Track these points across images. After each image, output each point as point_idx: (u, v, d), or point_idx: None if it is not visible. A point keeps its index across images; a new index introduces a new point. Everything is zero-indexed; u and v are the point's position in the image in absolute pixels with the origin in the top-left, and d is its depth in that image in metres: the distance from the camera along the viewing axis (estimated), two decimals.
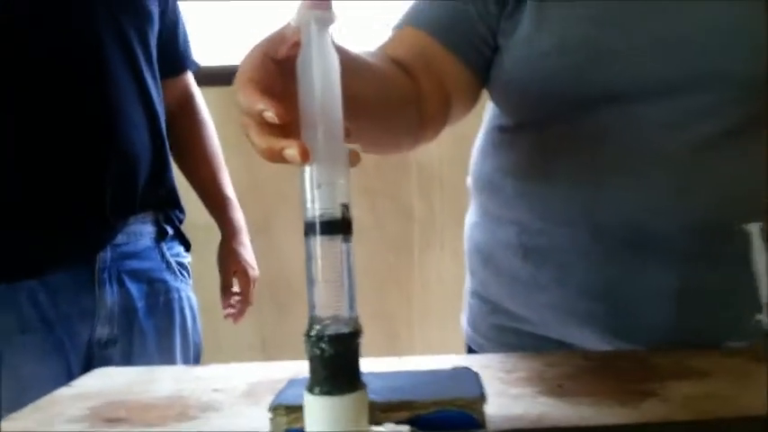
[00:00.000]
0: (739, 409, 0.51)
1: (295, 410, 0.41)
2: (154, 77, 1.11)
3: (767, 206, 0.65)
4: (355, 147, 0.40)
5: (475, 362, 0.67)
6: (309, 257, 0.38)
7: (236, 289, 1.29)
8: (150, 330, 1.10)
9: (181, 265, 1.18)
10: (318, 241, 0.38)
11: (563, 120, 0.70)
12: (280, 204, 1.87)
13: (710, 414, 0.50)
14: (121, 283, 1.08)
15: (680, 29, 0.65)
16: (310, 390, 0.38)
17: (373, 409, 0.41)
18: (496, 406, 0.51)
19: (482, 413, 0.41)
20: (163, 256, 1.14)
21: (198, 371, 0.70)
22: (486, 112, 0.82)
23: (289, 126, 0.40)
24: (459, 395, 0.42)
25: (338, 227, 0.38)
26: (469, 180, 0.86)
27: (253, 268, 1.29)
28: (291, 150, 0.38)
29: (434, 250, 1.89)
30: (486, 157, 0.80)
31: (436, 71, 0.69)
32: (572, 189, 0.70)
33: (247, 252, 1.29)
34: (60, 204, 1.00)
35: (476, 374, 0.47)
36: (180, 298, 1.16)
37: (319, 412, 0.38)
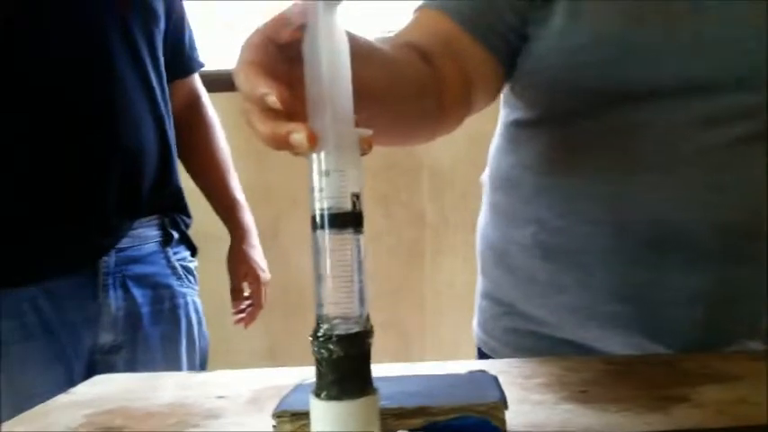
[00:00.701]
0: None
1: (301, 417, 0.38)
2: (160, 78, 1.09)
3: None
4: (367, 131, 0.37)
5: (491, 367, 0.63)
6: (317, 251, 0.35)
7: (246, 293, 1.26)
8: (155, 337, 1.08)
9: (187, 269, 1.16)
10: (327, 234, 0.35)
11: (591, 114, 0.67)
12: (289, 210, 1.84)
13: (746, 420, 0.47)
14: (126, 289, 1.05)
15: (720, 28, 0.63)
16: (317, 394, 0.35)
17: (385, 416, 0.38)
18: (516, 413, 0.48)
19: (503, 420, 0.38)
20: (168, 260, 1.12)
21: (202, 377, 0.67)
22: (503, 107, 0.79)
23: (293, 115, 0.37)
24: (477, 400, 0.39)
25: (348, 218, 0.35)
26: (484, 178, 0.83)
27: (264, 271, 1.27)
28: (298, 135, 0.35)
29: (447, 256, 1.86)
30: (504, 153, 0.78)
31: (459, 58, 0.66)
32: (597, 186, 0.67)
33: (258, 254, 1.26)
34: (62, 207, 0.98)
35: (494, 378, 0.44)
36: (186, 303, 1.13)
37: (326, 418, 0.35)
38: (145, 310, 1.07)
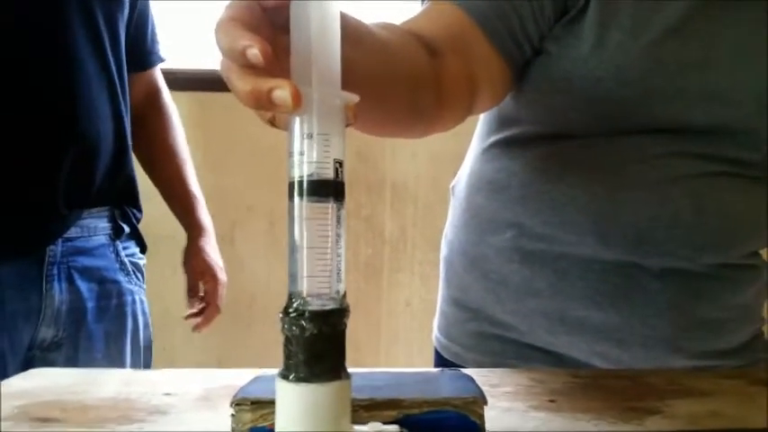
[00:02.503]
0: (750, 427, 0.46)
1: (263, 405, 0.35)
2: (119, 67, 1.05)
3: None
4: (353, 97, 0.34)
5: None
6: (292, 221, 0.33)
7: (201, 293, 1.19)
8: (99, 334, 1.01)
9: (135, 266, 1.10)
10: (305, 202, 0.32)
11: (591, 136, 0.67)
12: (245, 215, 1.80)
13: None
14: (71, 281, 0.99)
15: (729, 82, 0.64)
16: (284, 376, 0.32)
17: (355, 408, 0.35)
18: (486, 419, 0.46)
19: (481, 416, 0.36)
20: (117, 254, 1.06)
21: (148, 374, 0.63)
22: (492, 112, 0.77)
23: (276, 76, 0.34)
24: (453, 394, 0.36)
25: (329, 187, 0.33)
26: (458, 184, 0.81)
27: (221, 270, 1.20)
28: (282, 91, 0.32)
29: (405, 274, 1.83)
30: (489, 159, 0.76)
31: (467, 55, 0.63)
32: (586, 198, 0.67)
33: (215, 253, 1.20)
34: (9, 190, 0.93)
35: (468, 376, 0.41)
36: (133, 301, 1.07)
37: (294, 403, 0.32)
38: (90, 305, 1.01)
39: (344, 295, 0.33)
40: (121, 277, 1.06)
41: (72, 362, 0.98)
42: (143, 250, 1.14)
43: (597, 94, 0.64)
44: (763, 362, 0.74)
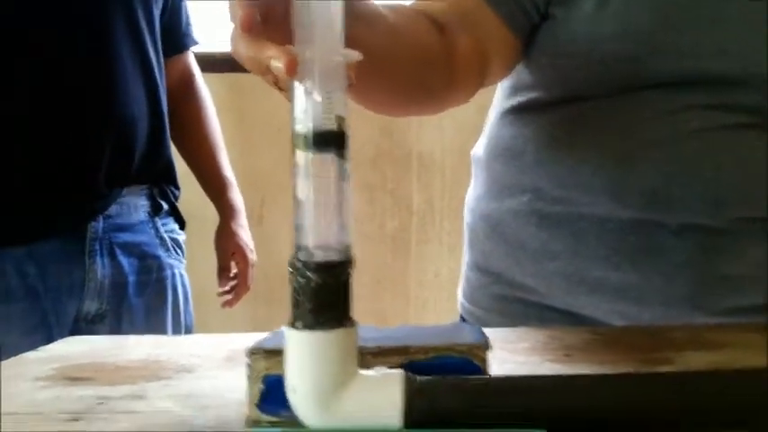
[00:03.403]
0: None
1: (276, 353, 0.36)
2: (156, 50, 1.09)
3: None
4: (356, 54, 0.35)
5: None
6: (296, 174, 0.34)
7: (232, 273, 1.24)
8: (140, 307, 1.06)
9: (175, 242, 1.14)
10: (309, 155, 0.34)
11: (602, 96, 0.67)
12: (275, 195, 1.82)
13: None
14: (113, 256, 1.04)
15: (740, 35, 0.63)
16: (292, 324, 0.34)
17: (364, 355, 0.37)
18: (500, 371, 0.47)
19: (484, 360, 0.37)
20: (157, 231, 1.11)
21: (179, 339, 0.66)
22: (508, 81, 0.78)
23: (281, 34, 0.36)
24: (458, 341, 0.37)
25: (332, 139, 0.34)
26: (479, 151, 0.82)
27: (252, 251, 1.25)
28: (278, 62, 0.34)
29: (433, 245, 1.84)
30: (505, 125, 0.77)
31: (475, 30, 0.64)
32: (598, 158, 0.68)
33: (246, 234, 1.25)
34: (53, 171, 0.97)
35: (478, 327, 0.42)
36: (173, 275, 1.12)
37: (300, 349, 0.33)
38: (131, 279, 1.06)
39: (349, 247, 0.34)
40: (161, 252, 1.11)
41: (115, 333, 1.03)
42: (182, 227, 1.19)
43: (604, 53, 0.64)
44: None
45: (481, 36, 0.65)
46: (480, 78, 0.67)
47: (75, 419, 0.41)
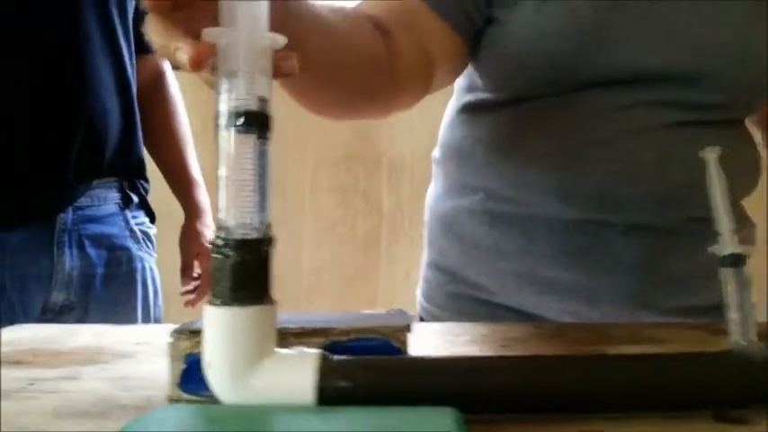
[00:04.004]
0: None
1: (198, 334, 0.36)
2: (129, 46, 1.09)
3: None
4: (280, 38, 0.36)
5: (423, 328, 0.64)
6: (218, 154, 0.34)
7: (196, 273, 1.24)
8: (108, 299, 1.06)
9: (145, 235, 1.14)
10: (230, 135, 0.34)
11: (551, 96, 0.68)
12: None
13: None
14: (82, 248, 1.03)
15: (689, 25, 0.64)
16: (210, 302, 0.34)
17: (287, 336, 0.37)
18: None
19: (405, 343, 0.37)
20: (127, 223, 1.10)
21: (125, 327, 0.65)
22: (459, 80, 0.79)
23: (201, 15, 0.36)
24: (380, 323, 0.38)
25: (253, 120, 0.34)
26: (436, 152, 0.83)
27: None
28: (183, 55, 0.35)
29: (403, 246, 1.85)
30: (457, 126, 0.78)
31: (419, 33, 0.65)
32: (547, 159, 0.68)
33: (212, 234, 1.24)
34: (22, 161, 0.97)
35: (407, 314, 0.43)
36: (143, 268, 1.11)
37: (217, 325, 0.34)
38: (99, 271, 1.05)
39: (269, 226, 0.35)
40: (131, 244, 1.10)
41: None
42: (152, 220, 1.18)
43: (545, 52, 0.64)
44: None
45: (426, 41, 0.65)
46: (426, 83, 0.67)
47: (6, 399, 0.41)
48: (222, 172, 0.34)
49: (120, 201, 1.10)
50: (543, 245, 0.69)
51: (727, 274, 0.37)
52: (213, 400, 0.35)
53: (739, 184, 0.70)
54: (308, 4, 0.50)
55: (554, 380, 0.32)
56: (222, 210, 0.34)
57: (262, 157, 0.35)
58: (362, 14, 0.63)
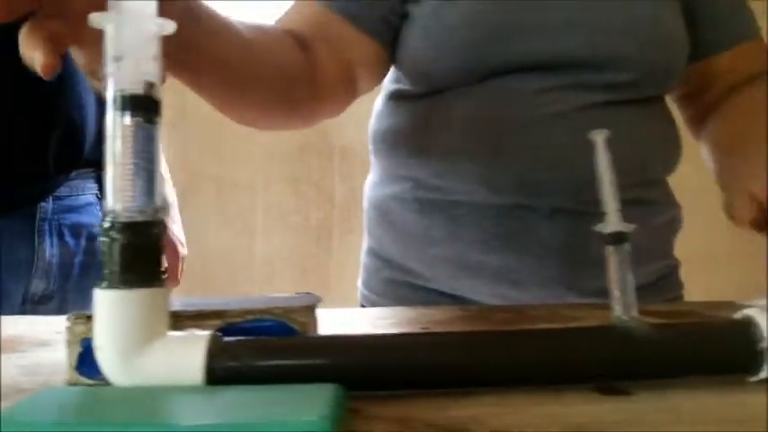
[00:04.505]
0: None
1: None
2: None
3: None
4: (169, 24, 0.36)
5: (353, 315, 0.64)
6: (106, 137, 0.34)
7: (164, 266, 1.25)
8: (86, 288, 1.07)
9: None
10: (116, 118, 0.34)
11: (466, 87, 0.69)
12: (198, 183, 1.81)
13: None
14: (61, 237, 1.05)
15: (588, 12, 0.66)
16: (98, 285, 0.34)
17: (182, 319, 0.38)
18: None
19: (304, 324, 0.38)
20: None
21: (52, 318, 0.65)
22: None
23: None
24: (276, 305, 0.38)
25: (139, 104, 0.34)
26: (369, 141, 0.84)
27: (182, 246, 1.26)
28: (38, 62, 0.37)
29: (356, 235, 1.86)
30: (384, 117, 0.79)
31: (339, 44, 0.67)
32: (470, 147, 0.69)
33: (177, 228, 1.26)
34: (3, 153, 0.97)
35: (314, 296, 0.43)
36: None
37: (107, 308, 0.34)
38: (78, 259, 1.06)
39: (157, 209, 0.35)
40: None
41: (62, 313, 1.03)
42: None
43: (455, 42, 0.66)
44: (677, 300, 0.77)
45: (347, 51, 0.67)
46: (351, 90, 0.70)
47: None
48: (109, 156, 0.34)
49: (97, 191, 1.12)
50: (471, 230, 0.70)
51: (609, 252, 0.38)
52: (108, 382, 0.35)
53: (657, 162, 0.72)
54: (212, 12, 0.50)
55: (436, 356, 0.33)
56: (109, 193, 0.34)
57: (149, 140, 0.35)
58: (281, 30, 0.64)
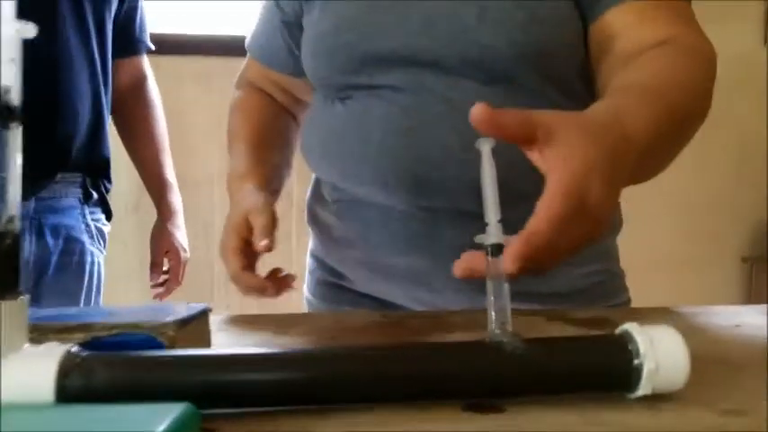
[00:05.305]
0: None
1: None
2: (103, 54, 1.15)
3: None
4: (28, 29, 0.35)
5: (260, 319, 0.63)
6: None
7: (165, 268, 1.32)
8: (59, 289, 1.10)
9: (99, 231, 1.19)
10: None
11: (352, 89, 0.70)
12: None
13: None
14: (40, 236, 1.08)
15: (447, 13, 0.65)
16: None
17: (46, 332, 0.37)
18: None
19: (173, 338, 0.37)
20: (84, 217, 1.16)
21: None
22: None
23: None
24: (147, 320, 0.37)
25: None
26: None
27: (185, 251, 1.33)
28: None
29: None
30: (306, 122, 0.82)
31: (277, 84, 0.81)
32: (363, 149, 0.68)
33: (181, 234, 1.33)
34: None
35: (200, 307, 0.42)
36: (92, 262, 1.16)
37: None
38: (53, 258, 1.10)
39: (13, 219, 0.34)
40: (86, 238, 1.16)
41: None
42: (108, 218, 1.24)
43: (327, 47, 0.70)
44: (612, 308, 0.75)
45: (281, 85, 0.82)
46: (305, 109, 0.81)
47: None
48: None
49: (80, 195, 1.16)
50: (380, 233, 0.69)
51: (489, 264, 0.37)
52: None
53: None
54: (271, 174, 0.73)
55: (297, 373, 0.32)
56: None
57: (1, 147, 0.33)
58: (264, 95, 0.83)
